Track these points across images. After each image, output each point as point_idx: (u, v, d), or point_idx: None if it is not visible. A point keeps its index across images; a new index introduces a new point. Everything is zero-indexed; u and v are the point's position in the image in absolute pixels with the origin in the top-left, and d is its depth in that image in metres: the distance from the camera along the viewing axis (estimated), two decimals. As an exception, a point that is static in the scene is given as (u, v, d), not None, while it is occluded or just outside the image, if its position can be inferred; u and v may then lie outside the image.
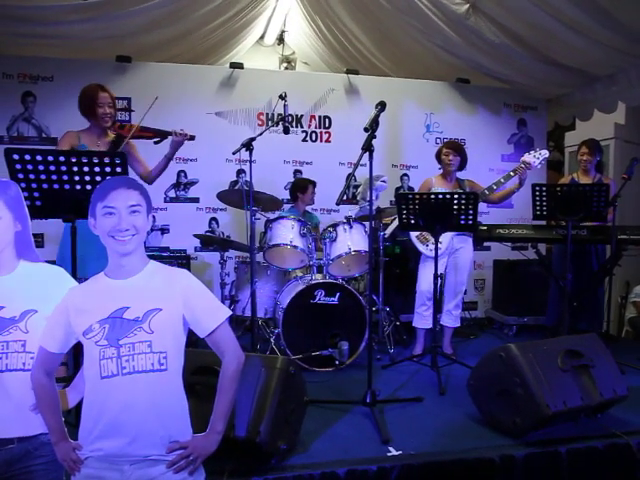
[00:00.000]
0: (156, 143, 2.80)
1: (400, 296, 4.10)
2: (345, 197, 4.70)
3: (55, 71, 4.07)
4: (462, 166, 3.37)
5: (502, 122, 4.90)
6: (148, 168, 2.81)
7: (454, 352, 3.43)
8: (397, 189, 4.76)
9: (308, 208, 4.19)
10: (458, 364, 3.10)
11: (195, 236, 3.79)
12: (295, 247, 3.24)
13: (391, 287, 4.07)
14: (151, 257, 1.42)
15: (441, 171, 3.41)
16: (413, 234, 3.36)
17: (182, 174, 4.39)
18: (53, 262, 1.95)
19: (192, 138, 2.81)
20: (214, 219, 4.46)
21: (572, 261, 3.12)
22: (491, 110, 4.89)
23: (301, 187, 4.01)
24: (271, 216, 3.48)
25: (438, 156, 3.40)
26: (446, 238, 3.27)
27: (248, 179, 2.82)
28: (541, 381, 2.07)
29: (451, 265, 3.33)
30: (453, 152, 3.31)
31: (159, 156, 2.79)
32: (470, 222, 2.82)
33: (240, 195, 3.19)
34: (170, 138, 2.74)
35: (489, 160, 4.83)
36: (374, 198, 3.70)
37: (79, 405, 1.37)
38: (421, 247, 3.34)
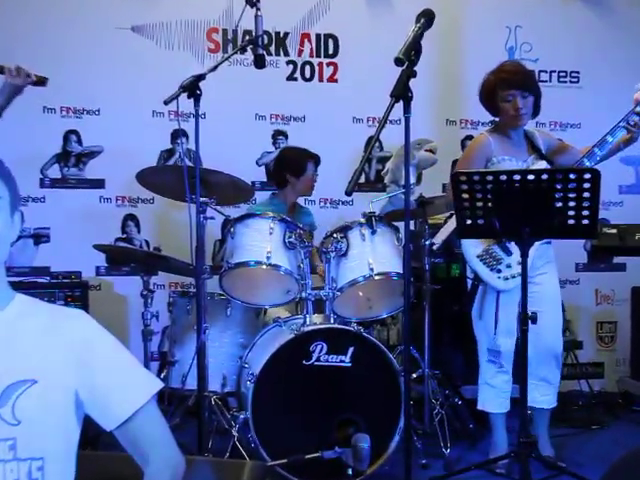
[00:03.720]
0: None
1: (461, 353, 4.10)
2: (363, 179, 4.72)
3: None
4: (535, 113, 3.40)
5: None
6: None
7: (558, 455, 3.42)
8: (454, 163, 4.78)
9: (299, 200, 4.23)
10: (569, 477, 3.08)
11: (97, 248, 3.79)
12: (276, 267, 3.25)
13: (445, 336, 4.07)
14: (17, 287, 1.42)
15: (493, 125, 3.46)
16: (472, 250, 3.33)
17: (73, 137, 4.41)
18: None
19: (41, 82, 2.89)
20: (131, 218, 4.49)
21: None
22: (631, 21, 4.90)
23: (295, 165, 4.05)
24: (234, 213, 3.50)
25: (488, 97, 3.39)
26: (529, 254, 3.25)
27: (192, 148, 2.83)
28: None
29: (533, 301, 3.22)
30: (520, 90, 3.30)
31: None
32: (587, 222, 2.79)
33: (178, 176, 3.19)
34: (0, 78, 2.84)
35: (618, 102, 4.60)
36: (413, 181, 3.68)
37: None
38: (488, 275, 3.30)
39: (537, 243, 3.08)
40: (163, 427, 1.44)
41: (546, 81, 4.75)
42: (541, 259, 3.33)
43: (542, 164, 3.30)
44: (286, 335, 3.16)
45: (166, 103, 2.84)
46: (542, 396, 3.40)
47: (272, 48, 4.58)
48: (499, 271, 3.28)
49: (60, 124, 4.34)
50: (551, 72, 4.81)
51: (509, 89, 3.26)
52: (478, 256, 3.31)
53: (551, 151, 3.40)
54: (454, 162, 4.78)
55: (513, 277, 3.22)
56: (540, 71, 4.72)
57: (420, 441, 3.45)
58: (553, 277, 3.42)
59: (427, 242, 3.69)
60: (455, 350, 4.10)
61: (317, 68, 4.67)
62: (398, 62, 2.39)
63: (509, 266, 3.22)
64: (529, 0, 4.82)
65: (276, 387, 3.11)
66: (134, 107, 4.37)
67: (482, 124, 4.75)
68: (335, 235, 3.37)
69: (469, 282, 3.42)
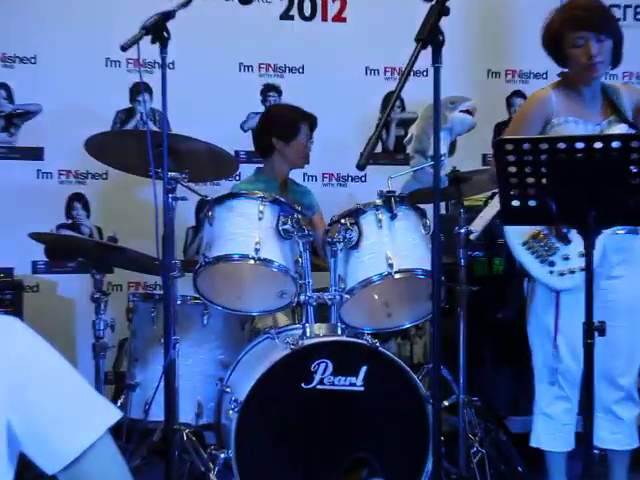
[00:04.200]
0: None
1: (507, 374, 4.11)
2: (380, 149, 4.71)
3: None
4: (615, 61, 3.34)
5: None
6: None
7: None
8: (499, 127, 4.81)
9: (294, 174, 4.25)
10: None
11: (33, 237, 3.78)
12: (266, 263, 3.26)
13: (486, 353, 4.09)
14: None
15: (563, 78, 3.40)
16: (516, 239, 3.32)
17: (1, 93, 4.45)
18: None
19: None
20: (78, 198, 4.53)
21: None
22: None
23: (283, 126, 4.07)
24: (212, 193, 3.51)
25: (553, 41, 3.33)
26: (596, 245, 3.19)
27: (157, 108, 2.82)
28: None
29: (604, 311, 3.17)
30: (594, 32, 3.24)
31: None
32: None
33: (139, 144, 3.18)
34: None
35: None
36: (445, 151, 3.67)
37: None
38: (538, 269, 3.29)
39: (608, 231, 3.06)
40: (120, 469, 1.44)
41: (619, 19, 4.73)
42: (618, 254, 3.22)
43: (620, 128, 3.24)
44: (280, 351, 3.16)
45: (124, 49, 2.81)
46: (612, 434, 3.33)
47: (260, -23, 4.60)
48: (552, 264, 3.22)
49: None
50: (625, 7, 4.82)
51: (580, 30, 3.19)
52: (524, 243, 3.28)
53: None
54: (498, 126, 4.83)
55: (572, 273, 3.14)
56: (612, 5, 4.70)
57: (453, 488, 3.46)
58: (635, 280, 3.31)
59: (462, 230, 3.67)
60: (499, 370, 4.10)
61: (320, 3, 4.68)
62: (426, -3, 2.39)
63: (566, 258, 3.14)
64: None
65: (267, 418, 3.12)
66: (81, 54, 4.39)
67: (536, 76, 4.76)
68: (343, 221, 3.36)
69: (526, 282, 3.41)
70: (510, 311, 3.55)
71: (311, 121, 4.12)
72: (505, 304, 4.02)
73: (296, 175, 4.25)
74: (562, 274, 3.20)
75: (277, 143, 4.04)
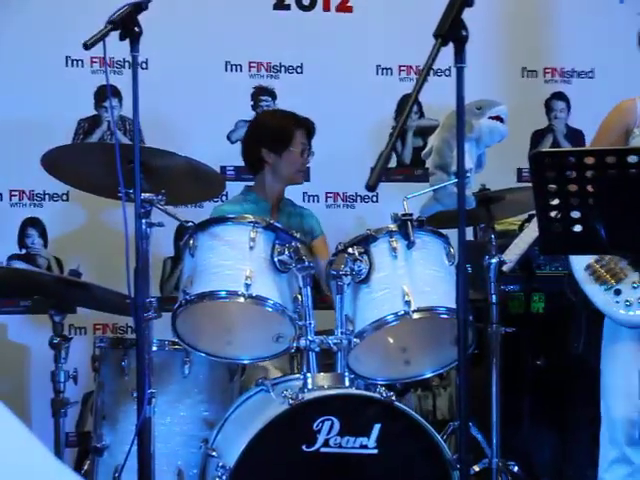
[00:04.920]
0: None
1: (551, 433, 4.10)
2: (394, 163, 4.73)
3: None
4: None
5: None
6: None
7: None
8: (536, 136, 4.83)
9: (293, 194, 4.27)
10: None
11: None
12: (259, 301, 3.27)
13: (525, 407, 4.08)
14: None
15: None
16: (578, 262, 3.33)
17: None
18: None
19: None
20: (34, 224, 4.53)
21: None
22: None
23: (274, 135, 4.09)
24: (194, 217, 3.49)
25: None
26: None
27: (127, 115, 2.82)
28: None
29: None
30: None
31: None
32: None
33: (106, 160, 3.20)
34: None
35: None
36: (471, 166, 3.68)
37: None
38: (599, 296, 3.30)
39: None
40: None
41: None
42: None
43: None
44: (276, 406, 3.14)
45: (87, 46, 2.83)
46: None
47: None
48: (618, 292, 3.25)
49: None
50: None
51: None
52: (587, 267, 3.30)
53: None
54: (536, 134, 4.85)
55: None
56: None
57: None
58: None
59: (494, 260, 3.69)
60: (540, 429, 4.09)
61: (322, -11, 4.72)
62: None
63: (637, 286, 3.21)
64: None
65: (261, 487, 3.12)
66: (37, 51, 4.41)
67: (580, 75, 4.78)
68: (351, 250, 3.35)
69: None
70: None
71: (307, 127, 4.14)
72: (551, 349, 4.03)
73: (295, 194, 4.25)
74: (629, 305, 3.19)
75: (267, 155, 4.07)
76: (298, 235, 3.43)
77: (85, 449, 3.60)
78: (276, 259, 3.29)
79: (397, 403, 3.18)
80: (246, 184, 4.20)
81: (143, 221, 3.03)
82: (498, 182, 3.92)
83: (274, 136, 4.08)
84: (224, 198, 4.14)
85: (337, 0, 4.68)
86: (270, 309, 3.27)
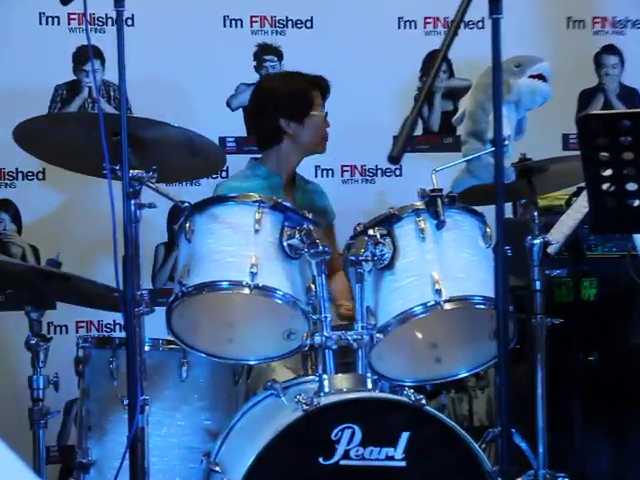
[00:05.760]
0: None
1: (605, 439, 4.10)
2: (420, 130, 4.73)
3: None
4: None
5: None
6: None
7: None
8: (585, 97, 4.84)
9: (302, 168, 4.28)
10: None
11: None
12: (267, 292, 3.28)
13: (575, 410, 4.06)
14: None
15: None
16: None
17: None
18: None
19: None
20: (5, 206, 4.57)
21: None
22: None
23: (293, 100, 4.12)
24: (191, 196, 3.52)
25: None
26: None
27: (111, 80, 2.81)
28: None
29: None
30: None
31: None
32: None
33: (88, 132, 3.21)
34: None
35: None
36: (509, 132, 3.69)
37: None
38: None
39: None
40: None
41: None
42: None
43: None
44: (288, 413, 3.15)
45: (65, 1, 2.84)
46: None
47: None
48: None
49: None
50: None
51: None
52: None
53: None
54: (584, 94, 4.84)
55: None
56: None
57: None
58: None
59: (537, 241, 3.68)
60: (594, 434, 4.09)
61: None
62: None
63: None
64: None
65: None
66: (7, 8, 4.41)
67: (635, 24, 4.77)
68: (372, 232, 3.35)
69: None
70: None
71: (322, 87, 4.16)
72: (604, 343, 4.04)
73: (306, 168, 4.25)
74: None
75: (286, 125, 4.08)
76: (311, 216, 3.41)
77: (68, 465, 3.63)
78: (285, 243, 3.30)
79: (427, 407, 3.17)
80: (251, 157, 4.20)
81: (132, 202, 3.02)
82: (541, 151, 3.92)
83: (292, 102, 4.10)
84: (224, 174, 4.12)
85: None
86: (279, 301, 3.28)
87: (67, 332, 4.41)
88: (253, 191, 3.48)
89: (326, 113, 4.16)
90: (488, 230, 3.36)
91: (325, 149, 4.21)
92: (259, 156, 4.17)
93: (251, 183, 3.89)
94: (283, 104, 4.10)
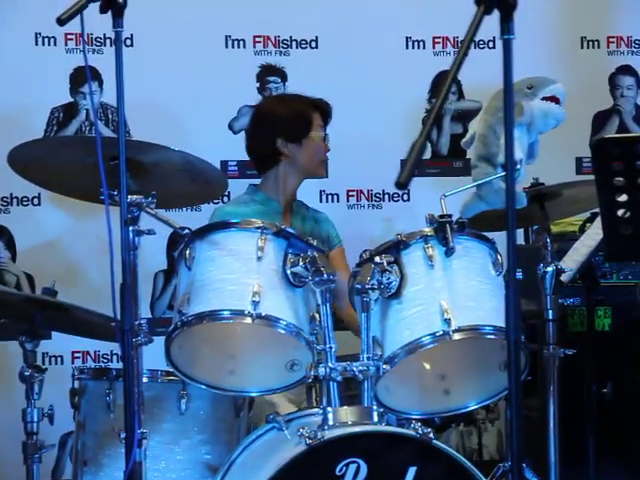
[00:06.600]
0: None
1: (620, 472, 4.11)
2: (429, 154, 4.72)
3: None
4: None
5: None
6: None
7: None
8: (599, 119, 4.82)
9: (304, 194, 4.28)
10: None
11: None
12: (270, 321, 3.27)
13: (589, 443, 4.06)
14: None
15: None
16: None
17: None
18: None
19: None
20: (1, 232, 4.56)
21: None
22: None
23: (289, 121, 4.12)
24: (190, 222, 3.47)
25: None
26: None
27: (109, 103, 2.81)
28: None
29: None
30: None
31: None
32: None
33: (85, 156, 3.21)
34: None
35: None
36: (521, 156, 3.68)
37: None
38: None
39: None
40: None
41: None
42: None
43: None
44: (291, 448, 3.13)
45: (62, 21, 2.84)
46: None
47: None
48: None
49: None
50: None
51: None
52: None
53: None
54: (598, 117, 4.84)
55: None
56: None
57: None
58: None
59: (550, 268, 3.69)
60: (609, 470, 4.08)
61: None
62: None
63: None
64: None
65: None
66: (3, 28, 4.43)
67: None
68: (379, 259, 3.33)
69: None
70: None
71: (322, 109, 4.16)
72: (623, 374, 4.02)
73: (311, 193, 4.24)
74: None
75: (283, 146, 4.09)
76: (315, 242, 3.41)
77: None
78: (289, 271, 3.28)
79: (436, 442, 3.16)
80: (250, 182, 4.20)
81: (130, 228, 3.03)
82: (554, 175, 3.92)
83: (290, 122, 4.11)
84: (226, 199, 4.12)
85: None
86: (282, 331, 3.26)
87: (63, 363, 4.41)
88: (249, 216, 3.50)
89: (326, 135, 4.15)
90: (499, 257, 3.35)
91: (326, 173, 4.21)
92: (258, 182, 4.16)
93: (248, 208, 3.90)
94: (281, 124, 4.11)
